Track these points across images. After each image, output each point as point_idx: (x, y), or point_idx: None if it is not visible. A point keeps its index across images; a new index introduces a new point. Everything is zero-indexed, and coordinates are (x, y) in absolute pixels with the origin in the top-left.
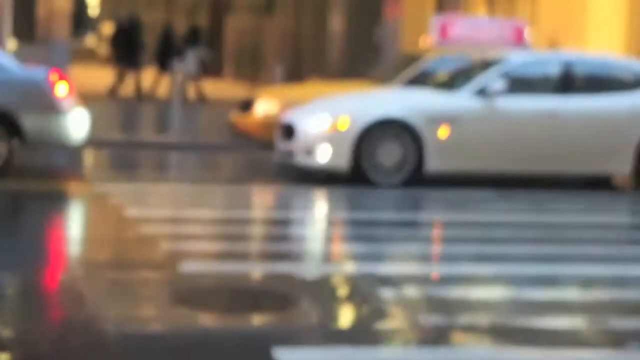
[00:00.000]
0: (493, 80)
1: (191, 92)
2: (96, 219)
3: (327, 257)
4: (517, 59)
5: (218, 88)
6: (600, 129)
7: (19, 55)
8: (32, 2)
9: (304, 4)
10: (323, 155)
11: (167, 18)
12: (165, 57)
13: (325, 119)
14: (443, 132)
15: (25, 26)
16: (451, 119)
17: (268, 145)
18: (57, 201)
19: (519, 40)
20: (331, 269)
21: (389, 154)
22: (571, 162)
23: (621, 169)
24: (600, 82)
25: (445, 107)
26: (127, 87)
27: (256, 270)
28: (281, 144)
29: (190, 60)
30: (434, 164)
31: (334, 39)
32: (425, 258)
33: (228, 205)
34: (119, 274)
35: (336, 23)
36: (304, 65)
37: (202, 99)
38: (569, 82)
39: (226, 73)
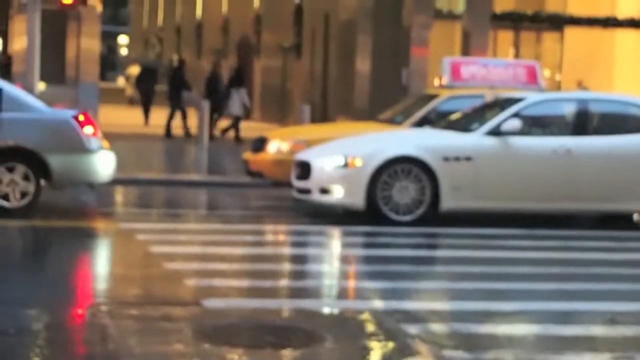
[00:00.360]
0: (508, 119)
1: (230, 132)
2: (122, 255)
3: (349, 294)
4: (531, 99)
5: (247, 128)
6: (617, 167)
7: (49, 96)
8: (62, 44)
9: (330, 45)
10: (339, 193)
11: (215, 59)
12: (213, 98)
13: (339, 157)
14: (458, 171)
15: (55, 68)
16: (466, 158)
17: (279, 183)
18: (83, 238)
19: (532, 80)
20: (354, 305)
21: (404, 191)
22: (588, 200)
23: (638, 208)
24: (615, 122)
25: (460, 146)
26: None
27: (280, 307)
28: (298, 182)
29: (235, 101)
30: (449, 202)
31: (361, 79)
32: (449, 294)
33: (250, 242)
34: (145, 311)
35: (362, 64)
36: (331, 106)
37: (238, 139)
38: (584, 121)
39: (254, 113)
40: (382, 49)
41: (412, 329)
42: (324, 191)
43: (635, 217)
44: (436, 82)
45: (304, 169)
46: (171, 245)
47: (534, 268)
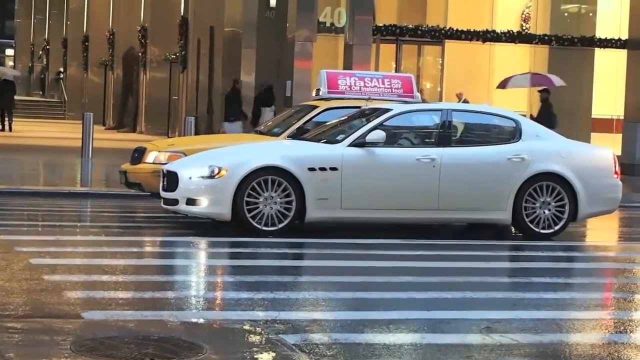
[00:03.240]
0: (372, 130)
1: None
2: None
3: (227, 305)
4: (396, 110)
5: (133, 141)
6: (480, 177)
7: None
8: None
9: (215, 57)
10: (205, 204)
11: (235, 77)
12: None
13: (205, 168)
14: (324, 182)
15: None
16: (331, 168)
17: (157, 194)
18: None
19: (408, 92)
20: (233, 315)
21: (270, 202)
22: (452, 210)
23: (502, 218)
24: (479, 132)
25: (326, 156)
26: None
27: (161, 318)
28: (165, 193)
29: (265, 120)
30: (315, 212)
31: (246, 92)
32: (325, 304)
33: (122, 254)
34: (24, 323)
35: (247, 76)
36: (216, 118)
37: None
38: (448, 132)
39: (140, 126)
40: (267, 61)
41: (292, 339)
42: (191, 202)
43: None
44: (314, 93)
45: (171, 180)
46: (53, 258)
47: (407, 277)
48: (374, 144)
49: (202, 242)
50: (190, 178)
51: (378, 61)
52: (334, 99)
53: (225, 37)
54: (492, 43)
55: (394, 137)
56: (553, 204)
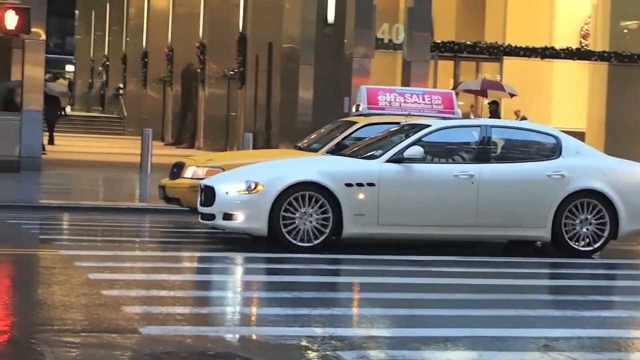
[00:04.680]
0: (410, 146)
1: None
2: (61, 282)
3: (283, 320)
4: (435, 126)
5: (191, 157)
6: (519, 194)
7: None
8: (6, 72)
9: (273, 73)
10: (241, 219)
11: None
12: None
13: (242, 183)
14: (361, 197)
15: None
16: (369, 184)
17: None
18: (22, 265)
19: (448, 108)
20: (289, 331)
21: (307, 217)
22: (490, 227)
23: (542, 235)
24: (518, 149)
25: (363, 172)
26: None
27: (218, 334)
28: (202, 208)
29: None
30: (352, 228)
31: (303, 108)
32: (378, 320)
33: (179, 269)
34: (82, 338)
35: (305, 92)
36: (274, 134)
37: None
38: (487, 148)
39: (199, 142)
40: (324, 77)
41: (348, 356)
42: (227, 217)
43: (539, 244)
44: (353, 109)
45: (208, 195)
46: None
47: (461, 294)
48: (411, 160)
49: (258, 258)
50: (227, 193)
51: (436, 78)
52: (373, 115)
53: (283, 54)
54: (550, 60)
55: (432, 153)
56: (593, 221)
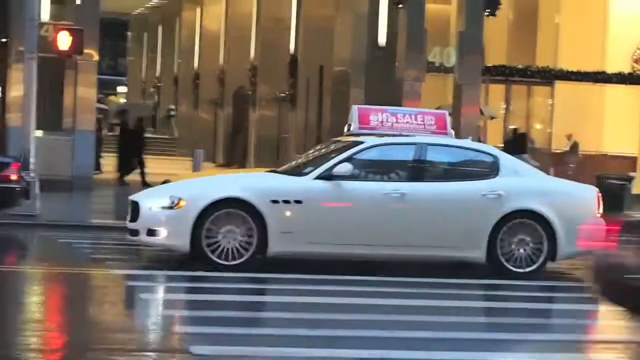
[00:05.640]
0: (340, 163)
1: None
2: None
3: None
4: (369, 143)
5: None
6: (451, 214)
7: (45, 143)
8: (59, 92)
9: (324, 96)
10: (164, 235)
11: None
12: None
13: (166, 198)
14: (288, 215)
15: (52, 115)
16: (296, 201)
17: None
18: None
19: (441, 128)
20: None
21: (230, 235)
22: (423, 247)
23: (476, 256)
24: (453, 167)
25: (290, 189)
26: None
27: (280, 354)
28: (129, 224)
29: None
30: (278, 246)
31: None
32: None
33: (229, 290)
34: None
35: None
36: None
37: None
38: (420, 166)
39: (249, 163)
40: (375, 100)
41: None
42: (151, 233)
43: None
44: (345, 129)
45: (134, 210)
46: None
47: (371, 315)
48: (341, 177)
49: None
50: (150, 208)
51: (487, 101)
52: (363, 135)
53: (333, 76)
54: (602, 84)
55: (365, 171)
56: (531, 243)
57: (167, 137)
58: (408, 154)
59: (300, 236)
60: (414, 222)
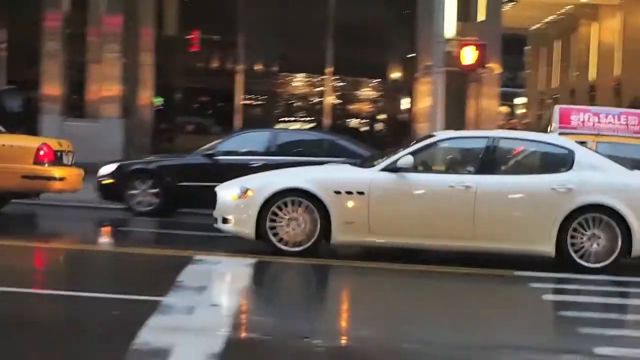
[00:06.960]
0: (405, 155)
1: None
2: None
3: None
4: (439, 137)
5: None
6: (518, 207)
7: None
8: (462, 104)
9: None
10: (232, 222)
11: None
12: None
13: (236, 188)
14: (351, 205)
15: (456, 125)
16: (358, 192)
17: None
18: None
19: None
20: None
21: (294, 223)
22: (490, 240)
23: (545, 250)
24: (523, 161)
25: (354, 180)
26: None
27: None
28: (214, 212)
29: None
30: (341, 236)
31: None
32: None
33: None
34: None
35: None
36: None
37: None
38: (490, 159)
39: None
40: None
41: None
42: (224, 220)
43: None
44: (549, 129)
45: (215, 200)
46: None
47: None
48: (405, 170)
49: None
50: (224, 198)
51: None
52: (565, 134)
53: None
54: None
55: (433, 163)
56: (604, 238)
57: None
58: (479, 147)
59: (362, 226)
60: (479, 214)
